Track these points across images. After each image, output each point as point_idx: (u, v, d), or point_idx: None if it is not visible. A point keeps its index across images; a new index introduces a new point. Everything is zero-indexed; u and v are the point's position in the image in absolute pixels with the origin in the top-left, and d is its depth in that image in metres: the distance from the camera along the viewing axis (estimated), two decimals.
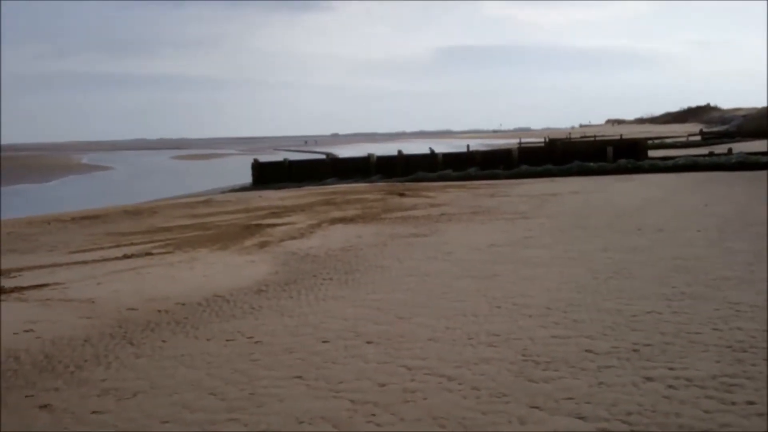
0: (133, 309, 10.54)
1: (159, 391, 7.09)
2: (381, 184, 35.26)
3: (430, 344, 8.18)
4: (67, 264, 14.52)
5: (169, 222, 21.88)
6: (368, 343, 8.35)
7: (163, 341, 8.89)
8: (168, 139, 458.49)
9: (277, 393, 6.83)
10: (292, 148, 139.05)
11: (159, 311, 10.40)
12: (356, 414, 6.22)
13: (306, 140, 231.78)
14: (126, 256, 15.18)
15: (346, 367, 7.53)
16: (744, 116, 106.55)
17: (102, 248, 16.70)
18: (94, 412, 6.59)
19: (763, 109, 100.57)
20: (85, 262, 14.61)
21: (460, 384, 6.81)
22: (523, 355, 7.58)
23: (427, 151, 47.45)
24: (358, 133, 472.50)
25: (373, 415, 6.17)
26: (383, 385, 6.88)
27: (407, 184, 34.93)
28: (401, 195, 27.76)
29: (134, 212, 25.26)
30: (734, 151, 38.46)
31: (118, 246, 16.89)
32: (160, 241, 17.48)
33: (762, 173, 30.57)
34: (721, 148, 43.76)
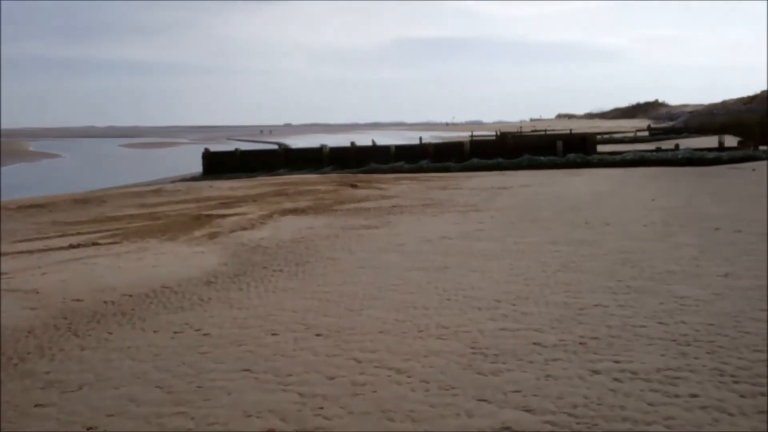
0: (78, 300, 10.38)
1: (104, 384, 7.00)
2: (333, 176, 35.17)
3: (380, 337, 8.19)
4: (12, 254, 14.25)
5: (117, 211, 21.61)
6: (318, 335, 8.33)
7: (109, 333, 8.78)
8: (119, 126, 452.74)
9: (225, 386, 6.78)
10: (246, 138, 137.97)
11: (105, 302, 10.25)
12: (304, 407, 6.20)
13: (261, 130, 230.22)
14: (72, 246, 14.95)
15: (294, 359, 7.49)
16: (691, 112, 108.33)
17: (48, 237, 16.44)
18: (37, 405, 6.48)
19: (709, 105, 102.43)
20: (30, 252, 14.37)
21: (409, 377, 6.82)
22: (472, 348, 7.61)
23: (382, 143, 47.53)
24: (312, 124, 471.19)
25: (321, 408, 6.15)
26: (332, 378, 6.87)
27: (360, 175, 34.89)
28: (353, 186, 27.73)
29: (82, 201, 24.87)
30: (681, 147, 39.08)
31: (64, 235, 16.64)
32: (108, 230, 17.24)
33: (707, 169, 31.12)
34: (668, 144, 44.50)
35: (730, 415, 5.69)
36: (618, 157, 36.93)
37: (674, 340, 7.59)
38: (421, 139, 60.79)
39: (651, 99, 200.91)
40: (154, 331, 8.79)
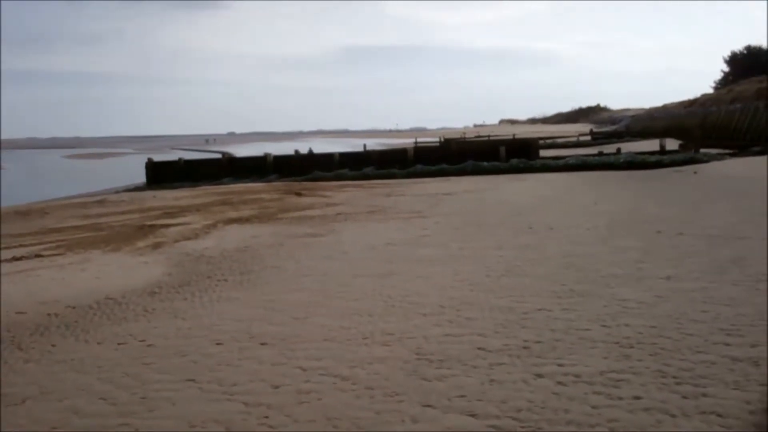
0: (22, 313, 10.23)
1: (48, 397, 6.91)
2: (278, 184, 35.03)
3: (325, 344, 8.18)
4: None
5: (60, 223, 21.31)
6: (263, 344, 8.30)
7: (53, 345, 8.66)
8: (61, 137, 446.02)
9: (170, 396, 6.73)
10: (190, 147, 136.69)
11: (49, 315, 10.12)
12: (250, 416, 6.18)
13: (207, 139, 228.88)
14: (15, 259, 14.72)
15: (239, 369, 7.46)
16: (632, 116, 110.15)
17: None
18: None
19: (650, 109, 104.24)
20: None
21: (354, 384, 6.83)
22: (417, 354, 7.65)
23: (326, 150, 47.63)
24: (256, 132, 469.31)
25: (266, 417, 6.14)
26: (277, 387, 6.85)
27: (304, 183, 34.83)
28: (298, 195, 27.67)
29: (24, 213, 24.49)
30: (622, 151, 39.65)
31: (7, 248, 16.35)
32: (51, 242, 17.00)
33: (649, 172, 31.63)
34: (610, 148, 45.01)
35: (672, 416, 5.77)
36: (561, 162, 37.34)
37: (617, 343, 7.69)
38: (365, 146, 60.82)
39: (593, 103, 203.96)
40: (98, 343, 8.69)
